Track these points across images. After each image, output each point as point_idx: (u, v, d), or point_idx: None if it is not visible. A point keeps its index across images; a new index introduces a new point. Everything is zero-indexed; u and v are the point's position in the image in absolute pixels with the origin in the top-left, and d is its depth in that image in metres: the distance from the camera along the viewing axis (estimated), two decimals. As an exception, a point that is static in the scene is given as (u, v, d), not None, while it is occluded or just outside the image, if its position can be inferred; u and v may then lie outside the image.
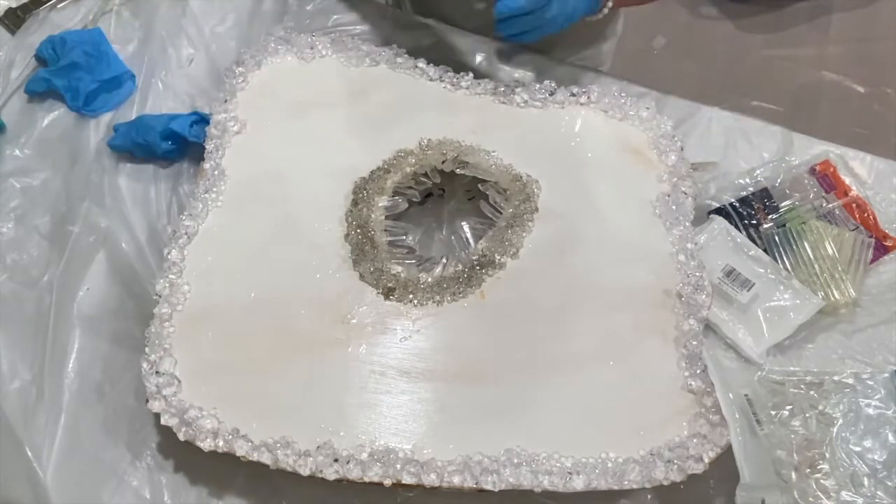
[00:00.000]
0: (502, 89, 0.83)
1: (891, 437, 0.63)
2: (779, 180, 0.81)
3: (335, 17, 0.93)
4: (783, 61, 1.97)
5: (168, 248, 0.70)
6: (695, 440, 0.64)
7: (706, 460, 0.63)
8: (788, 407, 0.65)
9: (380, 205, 0.75)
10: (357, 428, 0.63)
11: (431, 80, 0.83)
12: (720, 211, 0.79)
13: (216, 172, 0.75)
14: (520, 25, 0.74)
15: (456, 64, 0.87)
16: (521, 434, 0.64)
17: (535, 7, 0.72)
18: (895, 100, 1.89)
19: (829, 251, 0.76)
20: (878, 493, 0.61)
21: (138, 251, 0.76)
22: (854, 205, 0.80)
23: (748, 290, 0.73)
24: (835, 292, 0.74)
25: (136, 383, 0.69)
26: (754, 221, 0.79)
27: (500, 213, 0.76)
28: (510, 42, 0.89)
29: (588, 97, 0.83)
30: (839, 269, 0.75)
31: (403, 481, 0.61)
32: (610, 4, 0.81)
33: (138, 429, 0.68)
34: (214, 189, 0.74)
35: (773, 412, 0.65)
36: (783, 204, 0.80)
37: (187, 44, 0.90)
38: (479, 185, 0.78)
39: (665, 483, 0.62)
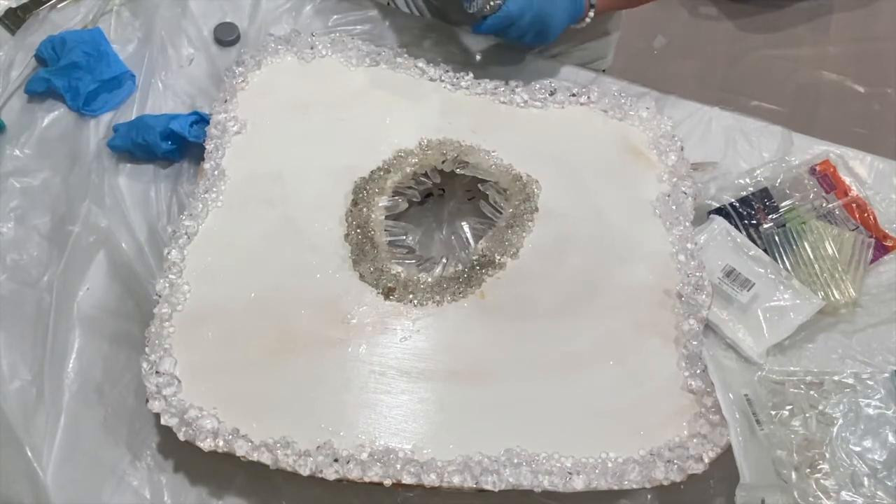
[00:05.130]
0: (502, 89, 0.83)
1: (891, 437, 0.63)
2: (779, 180, 0.81)
3: (335, 17, 0.93)
4: (783, 61, 1.97)
5: (168, 248, 0.70)
6: (695, 440, 0.64)
7: (706, 460, 0.63)
8: (788, 407, 0.65)
9: (380, 205, 0.75)
10: (357, 428, 0.63)
11: (431, 80, 0.83)
12: (720, 211, 0.79)
13: (216, 172, 0.75)
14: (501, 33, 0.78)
15: (456, 64, 0.86)
16: (521, 434, 0.64)
17: (506, 24, 0.76)
18: (895, 100, 1.89)
19: (829, 251, 0.76)
20: (878, 493, 0.61)
21: (138, 251, 0.76)
22: (854, 205, 0.80)
23: (748, 290, 0.73)
24: (835, 292, 0.74)
25: (136, 383, 0.69)
26: (754, 221, 0.79)
27: (500, 213, 0.76)
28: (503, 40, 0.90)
29: (588, 97, 0.83)
30: (839, 269, 0.75)
31: (403, 481, 0.61)
32: (592, 14, 0.81)
33: (138, 429, 0.68)
34: (214, 189, 0.74)
35: (773, 412, 0.65)
36: (783, 204, 0.80)
37: (187, 44, 0.90)
38: (479, 185, 0.78)
39: (665, 483, 0.62)
